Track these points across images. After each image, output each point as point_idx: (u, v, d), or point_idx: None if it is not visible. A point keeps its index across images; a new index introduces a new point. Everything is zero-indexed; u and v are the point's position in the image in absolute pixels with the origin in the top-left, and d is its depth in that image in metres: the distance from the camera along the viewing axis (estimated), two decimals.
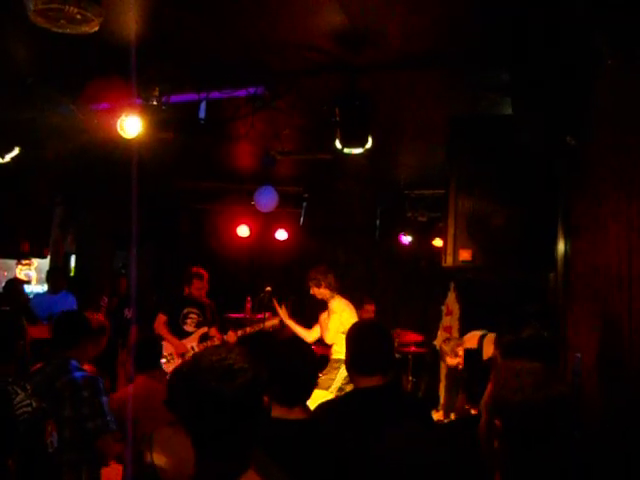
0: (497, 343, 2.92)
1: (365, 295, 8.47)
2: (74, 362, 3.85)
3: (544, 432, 1.88)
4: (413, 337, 8.44)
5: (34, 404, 3.18)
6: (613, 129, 2.92)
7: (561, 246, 4.22)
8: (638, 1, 2.34)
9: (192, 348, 7.07)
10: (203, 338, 7.20)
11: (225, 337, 7.09)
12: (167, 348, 6.97)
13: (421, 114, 5.98)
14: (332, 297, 6.63)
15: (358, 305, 7.97)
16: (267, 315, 7.30)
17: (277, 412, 2.65)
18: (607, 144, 3.02)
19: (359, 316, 6.89)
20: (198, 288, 7.29)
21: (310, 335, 6.74)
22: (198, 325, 7.27)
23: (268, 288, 7.39)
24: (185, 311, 7.28)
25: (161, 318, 7.25)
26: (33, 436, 3.20)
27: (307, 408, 2.82)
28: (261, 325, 7.18)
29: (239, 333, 7.13)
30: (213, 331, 7.32)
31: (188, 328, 7.23)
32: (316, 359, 2.88)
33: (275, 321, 7.16)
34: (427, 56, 4.59)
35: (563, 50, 3.49)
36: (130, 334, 7.74)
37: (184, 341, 7.14)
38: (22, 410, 3.11)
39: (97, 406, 3.72)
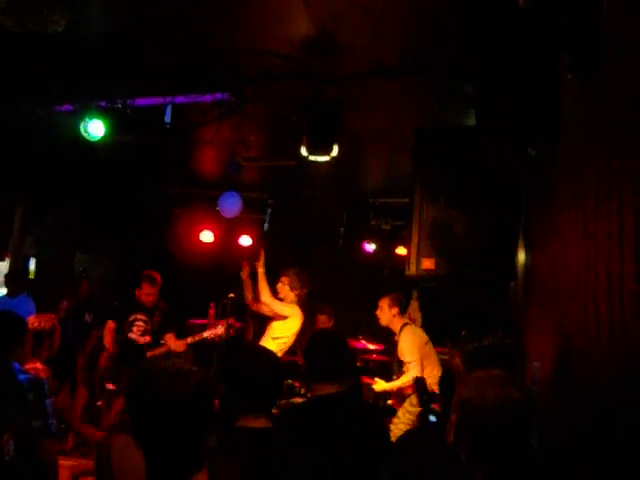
0: (459, 351, 2.96)
1: (323, 305, 8.37)
2: (16, 364, 3.74)
3: (495, 432, 1.93)
4: (375, 345, 8.47)
5: None
6: (572, 142, 2.98)
7: (522, 256, 4.29)
8: (598, 20, 2.40)
9: None
10: (146, 348, 6.54)
11: (172, 346, 6.51)
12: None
13: (388, 123, 6.03)
14: (291, 302, 6.35)
15: (316, 314, 7.98)
16: (230, 321, 7.19)
17: (242, 421, 2.65)
18: (566, 157, 3.08)
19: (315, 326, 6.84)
20: (147, 293, 6.66)
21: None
22: (144, 333, 6.65)
23: (231, 294, 7.31)
24: (132, 318, 6.68)
25: (110, 325, 6.71)
26: None
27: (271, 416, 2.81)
28: (203, 335, 6.77)
29: (189, 340, 6.68)
30: (169, 337, 6.71)
31: (133, 336, 6.62)
32: (281, 367, 2.87)
33: (219, 330, 6.79)
34: (394, 66, 4.64)
35: (527, 62, 3.56)
36: (90, 339, 7.63)
37: None
38: None
39: (40, 408, 3.63)
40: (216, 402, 1.96)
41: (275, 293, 6.40)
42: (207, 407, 1.90)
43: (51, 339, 4.34)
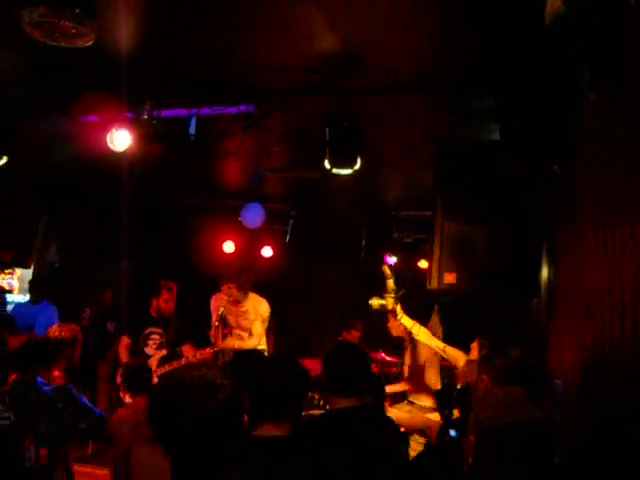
0: (485, 367, 2.94)
1: (355, 320, 8.37)
2: (40, 379, 3.74)
3: (515, 452, 1.91)
4: (393, 358, 8.40)
5: (12, 417, 3.15)
6: (595, 161, 2.96)
7: (545, 272, 4.25)
8: (620, 42, 2.38)
9: None
10: (163, 361, 6.44)
11: (190, 357, 6.41)
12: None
13: (409, 136, 6.03)
14: (245, 295, 6.76)
15: (347, 329, 7.98)
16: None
17: (255, 430, 2.64)
18: (589, 176, 3.06)
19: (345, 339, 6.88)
20: (166, 300, 6.68)
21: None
22: (160, 347, 6.65)
23: None
24: (147, 332, 6.68)
25: (124, 341, 6.71)
26: (10, 449, 3.16)
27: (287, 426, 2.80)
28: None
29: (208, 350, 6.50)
30: (186, 348, 6.66)
31: (149, 350, 6.61)
32: (305, 377, 2.85)
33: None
34: (415, 81, 4.64)
35: (550, 80, 3.54)
36: (112, 348, 7.64)
37: None
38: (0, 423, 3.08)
39: (81, 407, 3.67)
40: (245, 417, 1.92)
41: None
42: (236, 421, 1.87)
43: (72, 349, 4.35)
